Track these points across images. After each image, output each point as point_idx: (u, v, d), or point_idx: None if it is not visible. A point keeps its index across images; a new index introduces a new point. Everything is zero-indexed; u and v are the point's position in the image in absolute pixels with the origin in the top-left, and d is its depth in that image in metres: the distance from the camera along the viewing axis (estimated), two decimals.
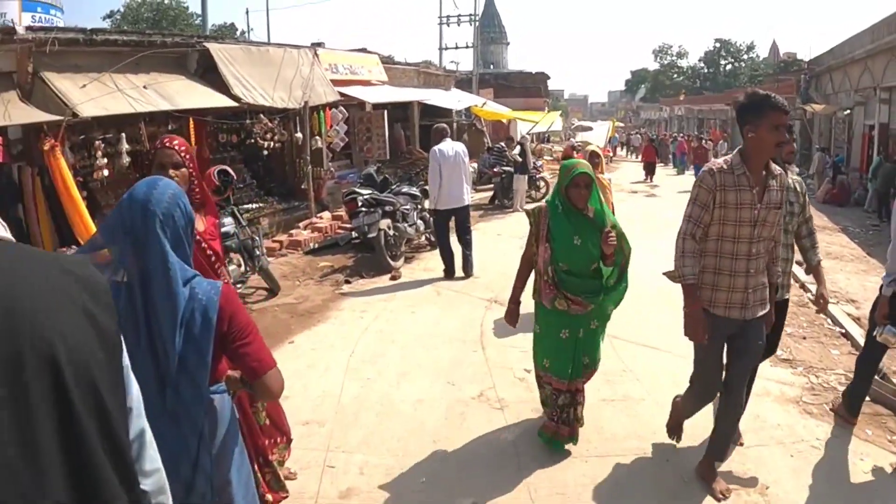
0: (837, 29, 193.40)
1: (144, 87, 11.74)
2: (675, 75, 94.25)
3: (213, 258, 3.78)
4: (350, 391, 6.36)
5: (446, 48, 41.18)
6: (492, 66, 73.75)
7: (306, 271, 11.12)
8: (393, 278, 10.52)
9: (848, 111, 27.74)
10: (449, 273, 10.45)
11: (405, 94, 24.88)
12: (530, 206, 5.36)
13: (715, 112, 59.75)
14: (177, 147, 3.63)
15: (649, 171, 29.96)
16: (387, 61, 26.31)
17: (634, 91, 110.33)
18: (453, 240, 10.72)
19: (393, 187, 12.27)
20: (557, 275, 4.78)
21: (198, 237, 3.68)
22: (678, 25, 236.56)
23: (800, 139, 36.36)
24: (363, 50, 25.11)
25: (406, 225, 11.48)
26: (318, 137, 17.37)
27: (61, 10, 48.43)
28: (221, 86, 13.65)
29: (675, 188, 25.47)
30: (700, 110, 65.32)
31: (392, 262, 10.87)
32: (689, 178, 27.53)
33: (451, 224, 10.59)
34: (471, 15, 40.62)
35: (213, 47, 14.45)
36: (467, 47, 41.07)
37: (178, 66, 13.63)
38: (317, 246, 13.04)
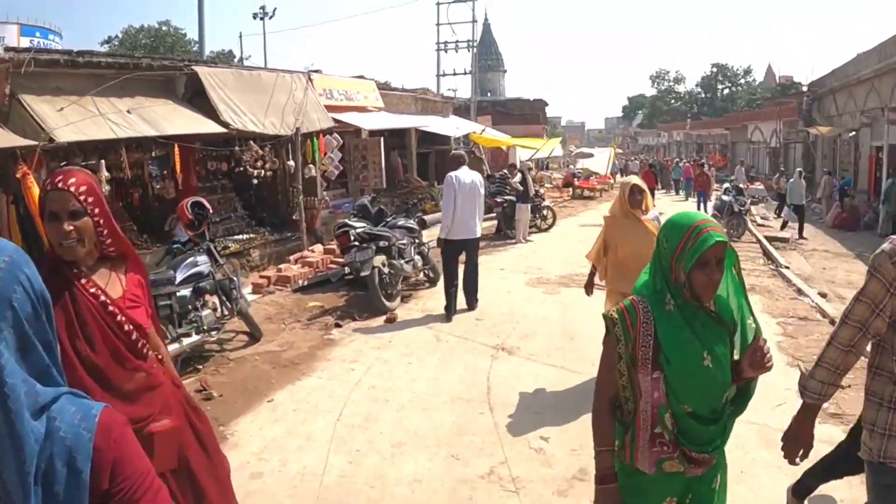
0: (832, 52, 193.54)
1: (128, 111, 11.27)
2: (673, 101, 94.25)
3: (135, 336, 2.77)
4: (336, 468, 5.34)
5: (444, 75, 40.50)
6: (489, 94, 73.37)
7: (293, 312, 10.15)
8: (388, 321, 9.51)
9: (853, 133, 27.14)
10: (448, 314, 9.58)
11: (402, 120, 24.11)
12: (610, 310, 2.76)
13: (714, 137, 59.37)
14: (73, 188, 2.61)
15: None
16: (383, 87, 25.61)
17: (632, 117, 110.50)
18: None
19: (388, 220, 11.30)
20: (679, 422, 2.61)
21: (111, 307, 2.70)
22: (675, 51, 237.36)
23: (803, 162, 35.96)
24: (361, 77, 24.29)
25: (402, 262, 10.46)
26: (311, 165, 16.62)
27: (60, 34, 48.04)
28: (210, 111, 13.20)
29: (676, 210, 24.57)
30: (699, 135, 64.89)
31: (387, 303, 9.89)
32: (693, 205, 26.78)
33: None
34: (468, 41, 39.91)
35: (202, 71, 13.87)
36: (465, 73, 40.39)
37: (166, 90, 13.17)
38: (306, 283, 11.99)
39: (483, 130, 28.01)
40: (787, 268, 13.48)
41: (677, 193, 34.19)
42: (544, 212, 19.07)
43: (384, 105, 23.93)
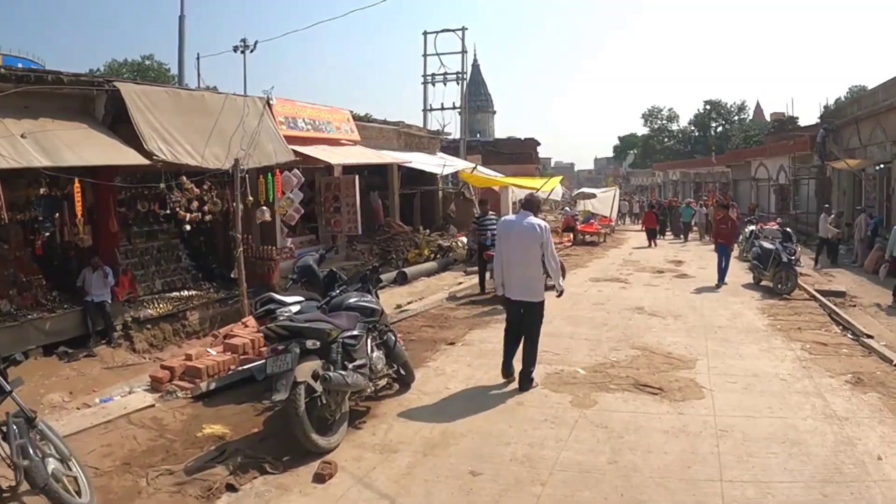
0: (822, 87, 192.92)
1: (23, 135, 9.72)
2: (666, 139, 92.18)
3: None
4: None
5: (431, 109, 37.66)
6: (478, 135, 71.38)
7: (172, 448, 6.37)
8: (319, 479, 5.56)
9: (880, 166, 24.60)
10: (505, 371, 8.14)
11: (380, 156, 21.10)
12: None
13: (714, 175, 56.78)
14: None
15: (651, 236, 29.28)
16: (360, 119, 22.77)
17: (623, 157, 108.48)
18: None
19: (337, 291, 7.57)
20: None
21: None
22: (666, 89, 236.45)
23: (815, 200, 33.36)
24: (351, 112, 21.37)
25: (349, 370, 6.40)
26: (264, 208, 14.22)
27: (43, 66, 45.66)
28: (136, 138, 11.39)
29: (700, 261, 21.78)
30: (697, 173, 62.35)
31: (320, 440, 5.99)
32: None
33: None
34: (457, 73, 37.20)
35: (126, 89, 11.82)
36: (454, 108, 37.52)
37: (84, 112, 11.52)
38: (213, 386, 8.05)
39: (474, 168, 24.91)
40: (870, 337, 10.43)
41: (686, 240, 31.21)
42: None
43: (360, 138, 21.20)
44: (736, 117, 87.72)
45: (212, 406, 7.53)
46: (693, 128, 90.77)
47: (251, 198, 13.39)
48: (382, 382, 7.27)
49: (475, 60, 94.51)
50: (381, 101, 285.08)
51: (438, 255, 21.74)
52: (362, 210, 22.60)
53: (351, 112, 21.68)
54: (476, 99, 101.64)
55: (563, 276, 10.09)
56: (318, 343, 6.13)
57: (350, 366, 6.41)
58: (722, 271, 16.38)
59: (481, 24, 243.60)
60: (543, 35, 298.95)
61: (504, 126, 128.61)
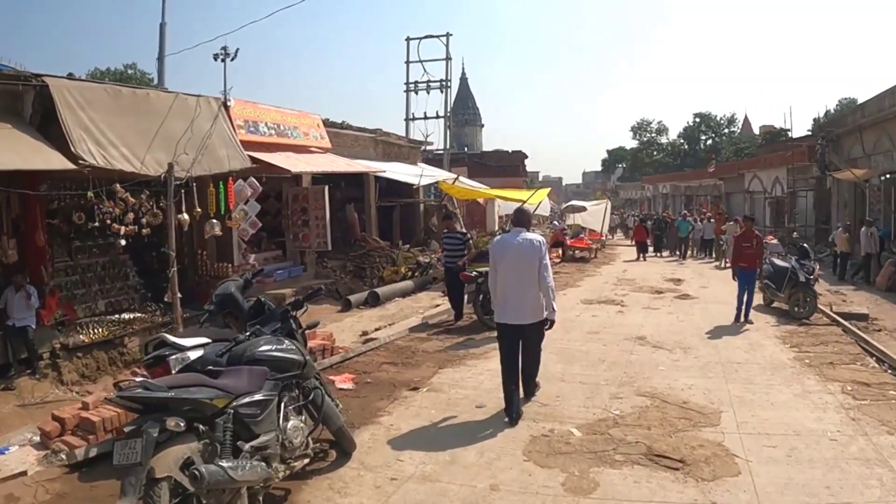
0: (810, 101, 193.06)
1: None
2: (655, 152, 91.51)
3: None
4: None
5: (413, 118, 36.00)
6: (466, 148, 70.38)
7: None
8: None
9: (887, 176, 23.32)
10: (510, 416, 7.10)
11: (350, 164, 19.38)
12: None
13: (706, 188, 55.45)
14: None
15: (641, 250, 29.00)
16: (333, 125, 21.05)
17: (611, 171, 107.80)
18: None
19: (247, 333, 5.42)
20: None
21: None
22: (656, 102, 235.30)
23: (815, 213, 32.15)
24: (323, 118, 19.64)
25: (243, 457, 4.41)
26: (215, 221, 12.94)
27: None
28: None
29: (700, 279, 20.09)
30: (688, 186, 60.98)
31: None
32: (719, 274, 22.32)
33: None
34: (442, 81, 35.54)
35: (57, 84, 10.65)
36: (437, 117, 35.83)
37: (10, 111, 10.47)
38: (94, 453, 6.16)
39: (456, 179, 23.15)
40: None
41: (683, 257, 28.40)
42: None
43: (332, 146, 19.63)
44: (726, 130, 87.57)
45: (88, 480, 5.68)
46: (682, 141, 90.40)
47: (199, 209, 11.91)
48: (300, 464, 5.17)
49: (463, 73, 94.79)
50: (362, 111, 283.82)
51: (416, 273, 20.03)
52: (337, 224, 21.11)
53: (324, 118, 20.00)
54: (464, 112, 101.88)
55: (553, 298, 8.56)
56: (192, 420, 4.18)
57: (246, 447, 4.42)
58: (745, 305, 12.87)
59: (470, 38, 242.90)
60: (532, 48, 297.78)
61: (492, 140, 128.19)
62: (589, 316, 13.32)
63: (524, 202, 23.10)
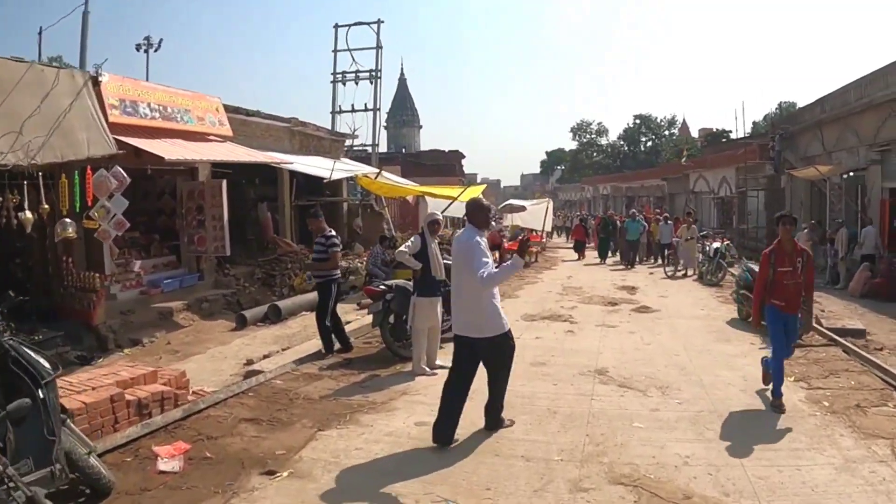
0: (749, 104, 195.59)
1: None
2: (595, 154, 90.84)
3: None
4: None
5: (340, 111, 33.34)
6: (403, 149, 68.57)
7: None
8: None
9: (850, 174, 21.87)
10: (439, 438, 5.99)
11: (251, 154, 16.41)
12: None
13: (648, 188, 54.01)
14: None
15: (578, 249, 28.76)
16: (238, 111, 18.10)
17: (550, 172, 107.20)
18: None
19: None
20: None
21: None
22: (596, 103, 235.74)
23: (766, 213, 30.40)
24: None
25: None
26: (67, 221, 10.41)
27: None
28: None
29: (656, 286, 17.70)
30: (629, 188, 59.57)
31: None
32: (674, 282, 20.01)
33: None
34: (371, 70, 33.02)
35: None
36: (366, 109, 33.24)
37: None
38: None
39: (378, 174, 20.33)
40: None
41: (632, 264, 24.31)
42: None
43: (235, 135, 16.78)
44: (666, 132, 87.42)
45: None
46: (622, 142, 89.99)
47: (46, 205, 9.71)
48: None
49: (401, 74, 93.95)
50: (287, 104, 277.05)
51: None
52: (249, 225, 19.04)
53: (234, 105, 17.10)
54: (402, 113, 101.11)
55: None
56: None
57: None
58: (774, 371, 7.31)
59: (409, 39, 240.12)
60: (471, 50, 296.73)
61: (431, 142, 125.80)
62: (531, 338, 10.57)
63: (454, 199, 20.60)
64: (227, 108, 16.93)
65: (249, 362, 9.86)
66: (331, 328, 9.59)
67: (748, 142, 32.77)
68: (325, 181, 18.68)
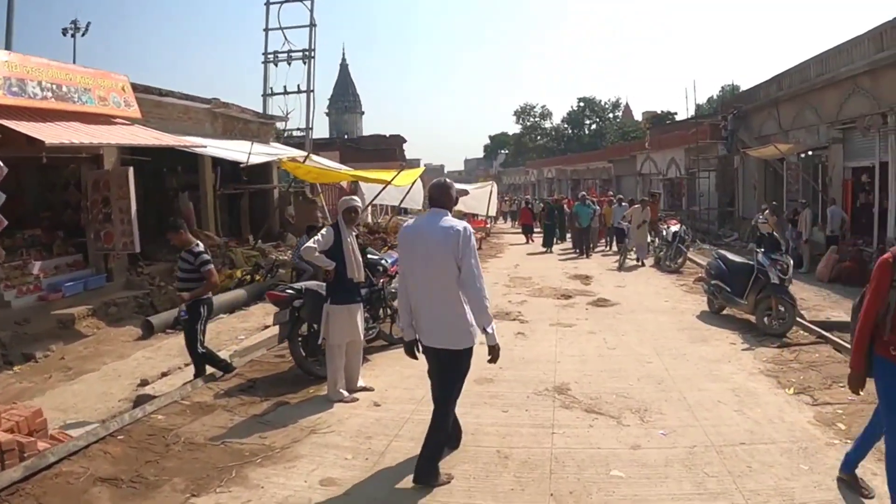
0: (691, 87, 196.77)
1: None
2: (539, 137, 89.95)
3: None
4: None
5: (272, 93, 31.25)
6: (346, 136, 66.55)
7: None
8: None
9: (809, 152, 20.71)
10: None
11: (158, 137, 14.47)
12: None
13: (594, 171, 53.01)
14: None
15: (527, 232, 28.25)
16: (149, 90, 16.17)
17: (494, 157, 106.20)
18: None
19: None
20: None
21: None
22: (540, 86, 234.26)
23: (717, 194, 29.94)
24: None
25: None
26: None
27: None
28: None
29: (611, 276, 16.25)
30: (575, 170, 58.50)
31: None
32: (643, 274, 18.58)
33: None
34: (304, 50, 31.00)
35: None
36: (299, 91, 31.20)
37: None
38: None
39: (307, 158, 18.45)
40: None
41: (586, 253, 21.61)
42: (385, 306, 9.18)
43: (146, 117, 15.01)
44: (610, 114, 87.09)
45: None
46: (566, 125, 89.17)
47: None
48: None
49: (343, 60, 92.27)
50: (219, 87, 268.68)
51: (259, 277, 15.37)
52: (173, 216, 16.47)
53: (129, 80, 15.11)
54: (343, 99, 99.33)
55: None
56: None
57: None
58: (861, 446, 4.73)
59: (351, 25, 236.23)
60: (415, 35, 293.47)
61: (374, 129, 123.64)
62: (475, 343, 8.84)
63: (388, 183, 18.88)
64: (137, 88, 15.01)
65: (144, 383, 8.08)
66: (206, 354, 7.74)
67: (699, 122, 31.59)
68: (242, 166, 16.78)
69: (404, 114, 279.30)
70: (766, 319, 9.34)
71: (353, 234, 7.02)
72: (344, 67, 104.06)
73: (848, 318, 10.37)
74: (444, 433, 4.98)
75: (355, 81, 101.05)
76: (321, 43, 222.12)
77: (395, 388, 7.05)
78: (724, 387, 6.92)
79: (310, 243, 6.70)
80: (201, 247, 7.69)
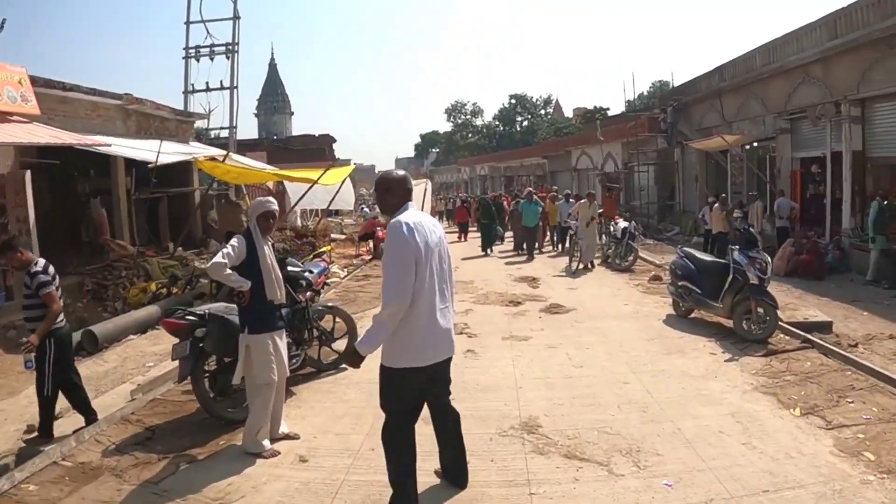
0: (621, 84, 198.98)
1: None
2: (470, 135, 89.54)
3: None
4: None
5: (194, 90, 29.58)
6: (275, 137, 64.81)
7: None
8: None
9: (752, 144, 20.55)
10: None
11: (56, 136, 12.90)
12: None
13: (528, 167, 52.30)
14: None
15: (463, 230, 27.90)
16: (51, 84, 14.59)
17: (425, 155, 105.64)
18: None
19: None
20: None
21: None
22: (470, 84, 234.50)
23: (656, 188, 29.29)
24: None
25: None
26: None
27: None
28: None
29: (563, 280, 14.99)
30: (508, 167, 57.80)
31: None
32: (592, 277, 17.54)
33: None
34: (227, 45, 29.46)
35: None
36: (222, 88, 29.58)
37: None
38: None
39: (226, 157, 16.93)
40: None
41: (531, 255, 19.81)
42: (322, 315, 7.84)
43: (47, 114, 13.55)
44: (542, 111, 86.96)
45: None
46: (498, 122, 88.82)
47: None
48: None
49: (272, 59, 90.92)
50: (135, 82, 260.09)
51: (176, 289, 13.85)
52: (84, 225, 16.50)
53: (27, 72, 13.51)
54: (273, 99, 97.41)
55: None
56: None
57: None
58: None
59: (280, 25, 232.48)
60: (343, 34, 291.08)
61: (304, 129, 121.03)
62: None
63: (315, 182, 17.46)
64: (37, 82, 13.42)
65: (31, 429, 6.59)
66: (53, 400, 6.21)
67: (637, 115, 31.08)
68: (150, 166, 15.22)
69: (335, 114, 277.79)
70: (745, 324, 8.36)
71: (270, 243, 5.67)
72: (273, 67, 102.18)
73: (826, 318, 9.64)
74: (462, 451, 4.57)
75: (284, 81, 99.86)
76: (248, 42, 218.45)
77: (326, 435, 5.71)
78: (721, 411, 5.86)
79: (218, 258, 5.33)
80: (40, 265, 6.11)
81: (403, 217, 4.03)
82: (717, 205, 17.02)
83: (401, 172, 4.50)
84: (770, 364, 7.27)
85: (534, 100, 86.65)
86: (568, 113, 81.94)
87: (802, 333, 8.31)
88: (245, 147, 30.47)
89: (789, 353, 7.71)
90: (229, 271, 5.28)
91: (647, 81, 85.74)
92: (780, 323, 8.47)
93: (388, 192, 4.22)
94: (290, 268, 7.06)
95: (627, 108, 45.29)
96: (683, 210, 26.54)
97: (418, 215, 4.16)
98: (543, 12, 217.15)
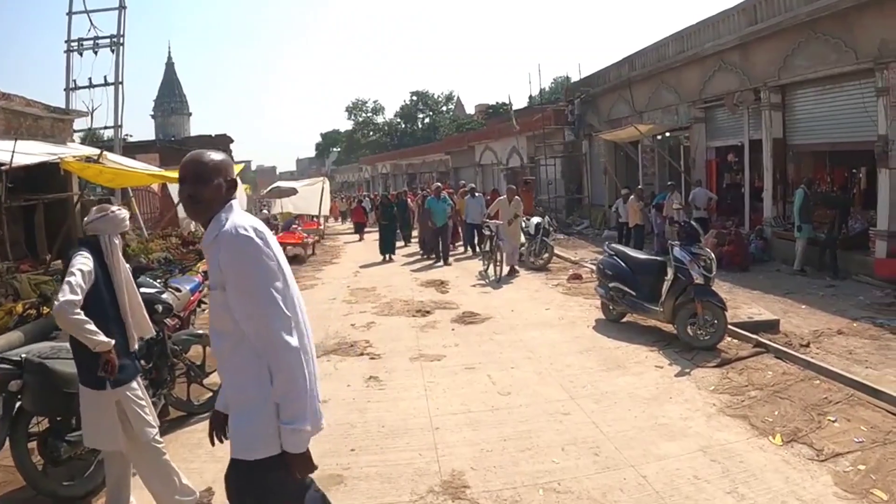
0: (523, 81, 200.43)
1: None
2: (372, 133, 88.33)
3: None
4: None
5: (76, 87, 27.22)
6: (172, 138, 62.05)
7: None
8: None
9: (664, 134, 19.92)
10: None
11: None
12: None
13: (430, 164, 51.38)
14: None
15: (359, 230, 28.37)
16: None
17: (326, 155, 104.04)
18: None
19: None
20: None
21: None
22: (371, 81, 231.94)
23: (563, 181, 28.51)
24: None
25: None
26: None
27: None
28: None
29: (471, 283, 13.79)
30: (410, 164, 56.77)
31: None
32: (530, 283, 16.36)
33: None
34: (112, 37, 27.24)
35: None
36: (106, 84, 27.34)
37: None
38: None
39: (100, 156, 15.09)
40: None
41: (444, 259, 17.31)
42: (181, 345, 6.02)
43: None
44: (444, 108, 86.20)
45: None
46: (399, 120, 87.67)
47: None
48: None
49: (169, 58, 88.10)
50: (12, 79, 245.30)
51: (47, 310, 11.93)
52: None
53: None
54: (170, 100, 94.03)
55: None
56: None
57: None
58: None
59: (177, 22, 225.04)
60: (239, 32, 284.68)
61: (203, 130, 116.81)
62: None
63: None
64: None
65: None
66: None
67: (543, 108, 30.33)
68: (3, 168, 13.31)
69: (235, 115, 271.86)
70: (689, 329, 7.32)
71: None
72: (170, 66, 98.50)
73: (771, 316, 8.75)
74: None
75: (182, 81, 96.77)
76: (143, 40, 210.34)
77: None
78: (689, 446, 4.72)
79: (66, 294, 3.62)
80: None
81: (242, 220, 2.52)
82: (632, 197, 16.19)
83: (219, 154, 2.74)
84: (727, 376, 6.23)
85: (435, 97, 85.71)
86: (470, 109, 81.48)
87: (752, 336, 7.34)
88: (137, 149, 28.06)
89: (744, 360, 6.70)
90: (81, 315, 3.67)
91: (549, 77, 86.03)
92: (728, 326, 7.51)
93: (202, 182, 2.55)
94: (142, 289, 5.26)
95: (530, 104, 44.87)
96: (592, 203, 25.88)
97: (255, 219, 2.61)
98: (443, 7, 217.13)
